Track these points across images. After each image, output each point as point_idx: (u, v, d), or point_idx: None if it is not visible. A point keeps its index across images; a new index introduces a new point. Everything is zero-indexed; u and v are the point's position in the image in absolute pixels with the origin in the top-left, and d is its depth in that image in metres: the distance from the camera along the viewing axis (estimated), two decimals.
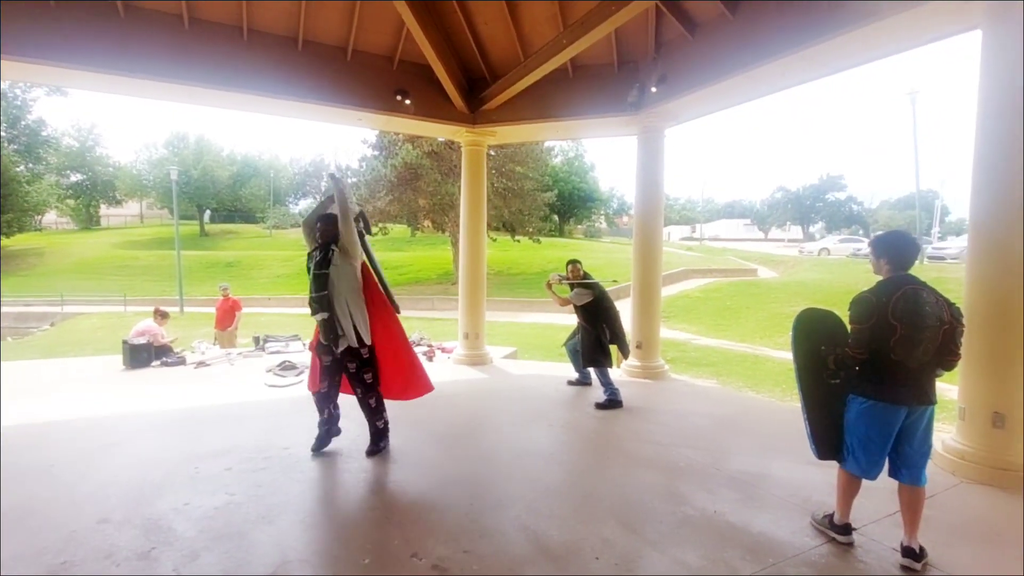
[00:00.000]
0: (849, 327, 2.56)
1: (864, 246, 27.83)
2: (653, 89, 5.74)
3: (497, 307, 16.65)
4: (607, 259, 25.07)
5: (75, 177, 41.62)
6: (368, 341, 3.71)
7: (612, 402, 5.15)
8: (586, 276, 5.40)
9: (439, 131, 8.26)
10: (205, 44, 5.38)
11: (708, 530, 2.85)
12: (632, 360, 6.49)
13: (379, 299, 3.93)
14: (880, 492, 2.95)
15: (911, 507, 2.54)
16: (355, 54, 6.18)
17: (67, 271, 27.73)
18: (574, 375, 6.06)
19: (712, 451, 4.02)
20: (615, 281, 7.82)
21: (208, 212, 44.76)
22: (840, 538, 2.71)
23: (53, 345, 14.18)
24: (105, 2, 4.94)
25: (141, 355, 7.36)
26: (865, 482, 2.65)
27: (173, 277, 21.37)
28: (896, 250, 2.54)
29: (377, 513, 3.07)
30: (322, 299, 3.63)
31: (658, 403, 5.43)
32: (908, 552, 2.50)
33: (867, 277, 2.74)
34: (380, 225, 23.00)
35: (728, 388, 8.00)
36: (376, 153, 22.16)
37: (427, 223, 23.94)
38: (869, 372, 2.54)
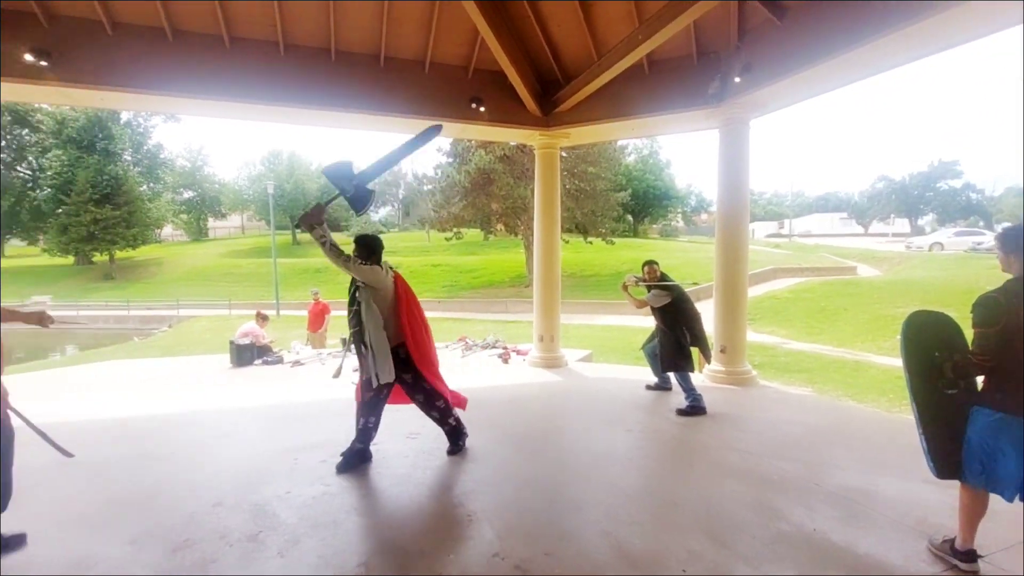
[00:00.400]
0: (972, 331, 2.30)
1: (986, 239, 24.89)
2: (737, 79, 5.46)
3: (571, 309, 16.55)
4: (684, 259, 24.19)
5: (187, 194, 46.61)
6: (383, 380, 3.55)
7: (694, 408, 4.94)
8: (663, 277, 5.23)
9: (513, 136, 8.37)
10: (298, 68, 5.81)
11: (806, 548, 2.66)
12: (715, 365, 6.20)
13: (414, 305, 3.82)
14: (1013, 516, 2.62)
15: None
16: (432, 66, 6.40)
17: (181, 278, 30.93)
18: (652, 379, 5.89)
19: (808, 463, 3.75)
20: (695, 283, 7.51)
21: None
22: (964, 566, 2.43)
23: (171, 345, 15.88)
24: (213, 36, 5.48)
25: (245, 355, 8.07)
26: (993, 505, 2.36)
27: (271, 283, 23.21)
28: None
29: (459, 511, 3.15)
30: (355, 335, 3.63)
31: (746, 411, 5.14)
32: None
33: (990, 275, 2.45)
34: (455, 230, 23.70)
35: (825, 396, 7.41)
36: (450, 160, 22.88)
37: (500, 227, 24.29)
38: (998, 381, 2.27)
